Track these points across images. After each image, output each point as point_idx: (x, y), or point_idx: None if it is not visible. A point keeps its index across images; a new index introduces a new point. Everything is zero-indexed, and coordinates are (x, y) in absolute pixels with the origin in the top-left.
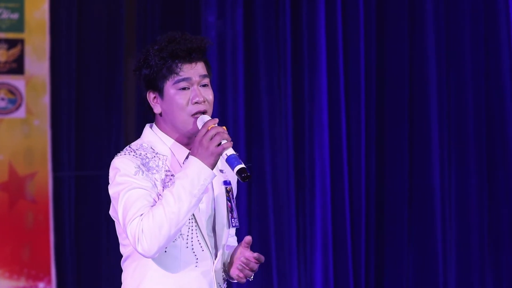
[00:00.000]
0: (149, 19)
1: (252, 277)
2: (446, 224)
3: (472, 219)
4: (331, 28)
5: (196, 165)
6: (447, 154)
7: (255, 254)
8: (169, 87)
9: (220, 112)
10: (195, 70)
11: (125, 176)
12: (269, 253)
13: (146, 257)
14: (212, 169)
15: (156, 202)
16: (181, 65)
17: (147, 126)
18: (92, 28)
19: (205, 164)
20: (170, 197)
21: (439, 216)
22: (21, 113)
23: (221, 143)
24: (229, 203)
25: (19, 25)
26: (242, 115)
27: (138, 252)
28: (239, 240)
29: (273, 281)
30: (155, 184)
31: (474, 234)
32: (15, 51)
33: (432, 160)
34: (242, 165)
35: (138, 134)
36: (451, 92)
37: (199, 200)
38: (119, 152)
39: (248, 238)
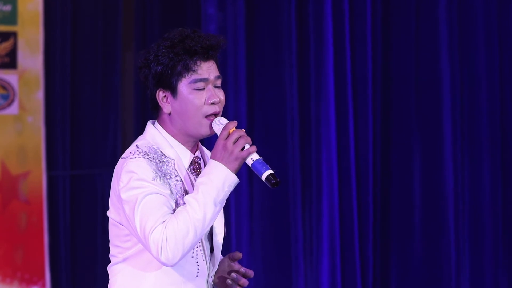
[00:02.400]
0: (148, 11)
1: None
2: (459, 226)
3: (486, 221)
4: (338, 22)
5: (221, 171)
6: (460, 152)
7: (243, 269)
8: (184, 86)
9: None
10: (212, 70)
11: (143, 181)
12: (273, 256)
13: (167, 266)
14: (236, 174)
15: (174, 210)
16: (199, 62)
17: (150, 124)
18: (88, 21)
19: (229, 169)
20: (195, 204)
21: (452, 217)
22: (13, 109)
23: (244, 147)
24: None
25: (11, 18)
26: (244, 113)
27: (159, 261)
28: (231, 249)
29: (278, 285)
30: (170, 190)
31: (488, 237)
32: (7, 44)
33: (445, 159)
34: (271, 171)
35: (136, 131)
36: (464, 88)
37: (222, 207)
38: (128, 151)
39: (237, 255)
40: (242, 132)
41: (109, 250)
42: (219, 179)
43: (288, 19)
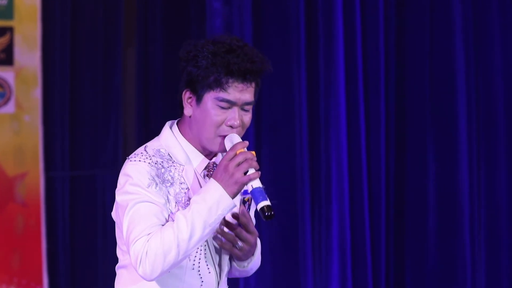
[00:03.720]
0: (150, 5)
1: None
2: (475, 229)
3: (502, 224)
4: (349, 16)
5: (217, 192)
6: (475, 152)
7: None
8: (210, 99)
9: None
10: (243, 94)
11: (137, 187)
12: (281, 263)
13: (145, 280)
14: (233, 198)
15: (166, 220)
16: (232, 83)
17: (168, 125)
18: (88, 16)
19: (226, 192)
20: (183, 222)
21: (467, 220)
22: (10, 108)
23: (247, 171)
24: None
25: (8, 12)
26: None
27: (137, 273)
28: None
29: None
30: (168, 199)
31: (504, 240)
32: (3, 40)
33: (460, 159)
34: (268, 202)
35: (137, 131)
36: (479, 84)
37: (213, 230)
38: (133, 153)
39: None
40: (249, 155)
41: (109, 254)
42: (213, 201)
43: (297, 13)
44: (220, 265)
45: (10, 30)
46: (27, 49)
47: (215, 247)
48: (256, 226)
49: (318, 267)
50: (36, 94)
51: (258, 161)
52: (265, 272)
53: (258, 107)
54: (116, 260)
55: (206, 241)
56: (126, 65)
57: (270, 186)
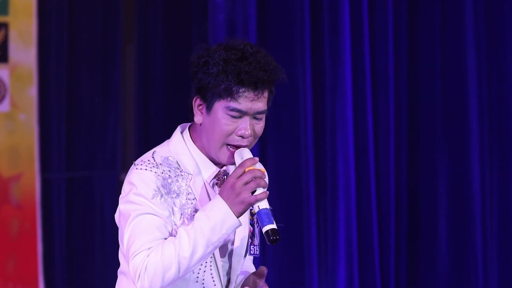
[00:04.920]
0: (150, 0)
1: None
2: (487, 233)
3: None
4: (356, 10)
5: (222, 211)
6: (488, 152)
7: None
8: (220, 107)
9: None
10: (255, 104)
11: (141, 197)
12: (286, 266)
13: None
14: (239, 217)
15: (170, 234)
16: (243, 92)
17: (178, 130)
18: (86, 11)
19: (232, 211)
20: (185, 239)
21: (479, 224)
22: (4, 106)
23: (255, 190)
24: (251, 228)
25: (2, 7)
26: None
27: (136, 286)
28: (255, 264)
29: None
30: (173, 211)
31: None
32: None
33: (471, 160)
34: (273, 226)
35: (137, 130)
36: (492, 84)
37: (216, 248)
38: (141, 158)
39: (262, 270)
40: (258, 173)
41: (107, 259)
42: (217, 220)
43: (301, 8)
44: (229, 274)
45: (5, 26)
46: (22, 46)
47: (222, 257)
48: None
49: (324, 271)
50: (32, 92)
51: (262, 161)
52: (269, 276)
53: None
54: (114, 264)
55: (213, 255)
56: (125, 63)
57: (274, 187)
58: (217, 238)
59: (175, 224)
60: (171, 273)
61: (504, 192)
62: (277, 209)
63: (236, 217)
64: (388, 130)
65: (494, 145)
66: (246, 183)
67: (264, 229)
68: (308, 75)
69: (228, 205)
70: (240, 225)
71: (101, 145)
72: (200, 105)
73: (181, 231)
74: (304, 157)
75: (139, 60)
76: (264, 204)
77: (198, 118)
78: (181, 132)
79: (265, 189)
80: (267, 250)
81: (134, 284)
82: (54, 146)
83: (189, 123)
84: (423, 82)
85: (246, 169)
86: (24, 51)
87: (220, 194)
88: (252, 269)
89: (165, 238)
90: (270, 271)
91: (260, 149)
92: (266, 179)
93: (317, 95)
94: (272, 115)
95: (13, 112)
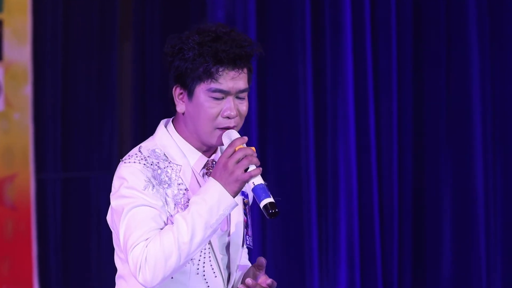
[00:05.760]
0: None
1: None
2: (491, 235)
3: None
4: (358, 6)
5: (217, 191)
6: (491, 153)
7: (269, 281)
8: (201, 91)
9: None
10: (236, 82)
11: (132, 190)
12: (286, 267)
13: (145, 287)
14: (234, 197)
15: (165, 224)
16: (222, 71)
17: (162, 124)
18: (82, 7)
19: (227, 191)
20: (183, 225)
21: (482, 226)
22: None
23: (248, 168)
24: (245, 218)
25: None
26: (254, 108)
27: (138, 281)
28: (251, 259)
29: None
30: (166, 201)
31: None
32: None
33: (475, 161)
34: (271, 199)
35: (134, 130)
36: (496, 84)
37: (215, 231)
38: (127, 154)
39: (260, 260)
40: (249, 151)
41: (103, 261)
42: (214, 201)
43: (302, 5)
44: (228, 267)
45: None
46: (17, 43)
47: (220, 249)
48: (259, 229)
49: (325, 273)
50: (27, 91)
51: (262, 161)
52: (269, 276)
53: (262, 104)
54: (111, 266)
55: (210, 243)
56: (122, 60)
57: (274, 187)
58: (215, 219)
59: (170, 215)
60: (173, 260)
61: (508, 193)
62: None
63: (231, 197)
64: (391, 130)
65: (498, 146)
66: (238, 161)
67: (262, 204)
68: (309, 73)
69: (222, 185)
70: (237, 204)
71: (97, 145)
72: (181, 93)
73: (178, 217)
74: (305, 157)
75: (136, 58)
76: (258, 180)
77: (180, 107)
78: (165, 126)
79: (258, 166)
80: (267, 252)
81: (136, 278)
82: (49, 146)
83: (171, 118)
84: (428, 81)
85: (237, 148)
86: (19, 49)
87: (213, 175)
88: (250, 265)
89: (161, 229)
90: (271, 273)
91: (260, 149)
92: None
93: (318, 94)
94: (271, 115)
95: (7, 111)
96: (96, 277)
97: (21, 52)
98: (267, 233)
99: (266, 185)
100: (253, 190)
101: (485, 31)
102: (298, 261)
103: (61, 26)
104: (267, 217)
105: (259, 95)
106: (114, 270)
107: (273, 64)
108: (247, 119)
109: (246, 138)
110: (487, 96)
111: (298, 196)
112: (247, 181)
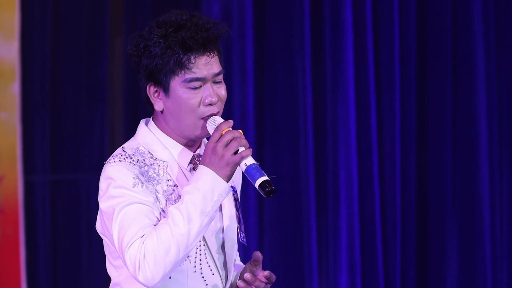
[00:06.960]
0: None
1: None
2: (496, 236)
3: None
4: (359, 2)
5: (209, 177)
6: (497, 154)
7: (266, 272)
8: (177, 84)
9: (225, 104)
10: (210, 66)
11: (122, 188)
12: (284, 273)
13: (146, 286)
14: (228, 181)
15: (159, 220)
16: (194, 58)
17: (142, 123)
18: (71, 3)
19: (219, 176)
20: (178, 216)
21: (488, 227)
22: None
23: (238, 150)
24: (237, 213)
25: None
26: (251, 108)
27: (138, 281)
28: (245, 258)
29: None
30: (157, 197)
31: None
32: None
33: (480, 163)
34: (266, 177)
35: (125, 130)
36: (502, 82)
37: (212, 219)
38: (111, 155)
39: (257, 255)
40: (237, 133)
41: (94, 266)
42: (207, 188)
43: (301, 0)
44: (225, 264)
45: None
46: (4, 40)
47: (215, 247)
48: (256, 233)
49: (325, 279)
50: (14, 89)
51: (259, 163)
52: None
53: (260, 104)
54: (101, 271)
55: (205, 240)
56: (113, 57)
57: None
58: (211, 206)
59: (162, 211)
60: (172, 254)
61: None
62: (276, 213)
63: (225, 181)
64: (394, 130)
65: (504, 147)
66: (227, 144)
67: (257, 183)
68: (308, 71)
69: (213, 170)
70: (231, 189)
71: (88, 146)
72: (156, 91)
73: (172, 209)
74: (304, 159)
75: (127, 55)
76: (250, 161)
77: (158, 105)
78: (146, 124)
79: (248, 147)
80: (265, 258)
81: (135, 278)
82: (37, 146)
83: (151, 117)
84: (432, 80)
85: (223, 132)
86: (6, 45)
87: (203, 162)
88: (243, 265)
89: (155, 225)
90: None
91: (258, 151)
92: None
93: (318, 94)
94: (269, 115)
95: None
96: (87, 282)
97: (8, 49)
98: (264, 238)
99: (259, 165)
100: (246, 171)
101: (490, 28)
102: (297, 268)
103: (50, 22)
104: (264, 196)
105: (256, 94)
106: (105, 275)
107: (270, 62)
108: (244, 119)
109: (231, 121)
110: (493, 96)
111: (297, 199)
112: (238, 164)
